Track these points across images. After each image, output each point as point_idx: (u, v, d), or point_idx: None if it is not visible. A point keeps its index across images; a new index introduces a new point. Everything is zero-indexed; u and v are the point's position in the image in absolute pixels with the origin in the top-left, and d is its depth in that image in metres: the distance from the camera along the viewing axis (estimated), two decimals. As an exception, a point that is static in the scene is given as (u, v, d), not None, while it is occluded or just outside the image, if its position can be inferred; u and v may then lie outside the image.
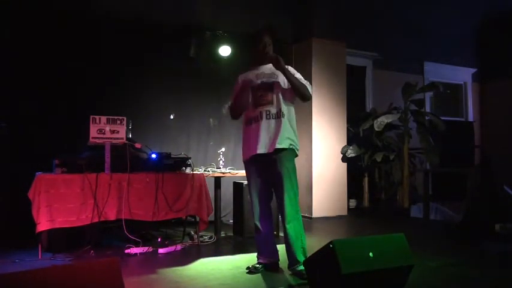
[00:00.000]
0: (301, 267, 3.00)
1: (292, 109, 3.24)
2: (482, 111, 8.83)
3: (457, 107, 8.81)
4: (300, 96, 3.20)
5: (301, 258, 3.07)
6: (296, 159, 3.24)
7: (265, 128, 3.14)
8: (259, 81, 3.22)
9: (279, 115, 3.14)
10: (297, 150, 3.22)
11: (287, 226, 3.10)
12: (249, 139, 3.22)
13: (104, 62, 5.13)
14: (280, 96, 3.16)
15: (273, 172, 3.13)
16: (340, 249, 2.35)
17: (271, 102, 3.16)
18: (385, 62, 7.46)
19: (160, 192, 3.91)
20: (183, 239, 4.40)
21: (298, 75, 3.21)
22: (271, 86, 3.18)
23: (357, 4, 6.79)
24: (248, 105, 3.24)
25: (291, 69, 3.22)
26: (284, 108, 3.16)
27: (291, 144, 3.14)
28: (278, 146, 3.09)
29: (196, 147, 5.75)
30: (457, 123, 8.12)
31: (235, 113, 3.33)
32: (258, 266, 3.27)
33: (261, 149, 3.13)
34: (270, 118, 3.14)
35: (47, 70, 4.84)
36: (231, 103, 3.38)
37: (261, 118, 3.16)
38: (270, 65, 3.19)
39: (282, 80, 3.18)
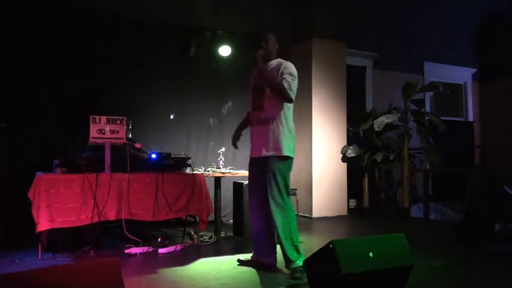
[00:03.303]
0: (294, 266, 3.05)
1: (286, 111, 3.20)
2: (482, 111, 8.83)
3: (457, 107, 8.81)
4: (280, 98, 3.17)
5: (294, 257, 3.09)
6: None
7: (256, 134, 3.23)
8: (255, 83, 3.26)
9: (268, 121, 3.15)
10: (288, 153, 3.18)
11: (275, 226, 3.14)
12: (250, 141, 3.35)
13: (104, 62, 5.13)
14: (272, 100, 3.16)
15: (262, 173, 3.20)
16: (340, 249, 2.35)
17: (261, 107, 3.19)
18: (385, 62, 7.45)
19: (160, 192, 3.91)
20: (183, 239, 4.40)
21: (287, 76, 3.12)
22: (262, 89, 3.20)
23: (357, 4, 6.79)
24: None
25: (288, 66, 3.16)
26: (274, 113, 3.15)
27: (278, 152, 3.14)
28: (265, 154, 3.16)
29: (196, 147, 5.75)
30: (457, 123, 8.13)
31: None
32: (249, 259, 3.34)
33: (254, 153, 3.27)
34: (259, 124, 3.20)
35: (47, 70, 4.84)
36: None
37: (253, 123, 3.26)
38: (272, 63, 3.20)
39: (280, 78, 3.14)
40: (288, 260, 3.13)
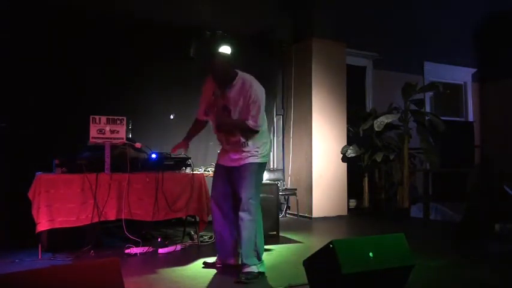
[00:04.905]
0: (247, 270, 3.05)
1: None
2: (482, 111, 8.82)
3: (457, 107, 8.81)
4: None
5: (252, 262, 3.10)
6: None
7: (230, 150, 3.24)
8: (218, 103, 3.20)
9: (239, 143, 3.15)
10: (262, 159, 3.20)
11: (241, 228, 3.13)
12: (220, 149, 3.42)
13: (104, 62, 5.13)
14: (242, 131, 3.13)
15: (233, 180, 3.20)
16: (340, 249, 2.35)
17: (230, 132, 3.19)
18: (385, 62, 7.45)
19: (160, 192, 3.91)
20: (183, 239, 4.40)
21: (252, 109, 3.05)
22: (228, 111, 3.16)
23: (357, 4, 6.79)
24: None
25: (253, 88, 3.07)
26: (244, 138, 3.13)
27: (252, 160, 3.14)
28: (239, 164, 3.16)
29: (196, 147, 5.73)
30: (457, 123, 8.11)
31: None
32: (215, 261, 3.37)
33: (226, 163, 3.28)
34: (230, 144, 3.22)
35: (47, 70, 4.83)
36: None
37: (223, 143, 3.31)
38: (235, 85, 3.13)
39: (246, 113, 3.09)
40: (243, 264, 3.12)
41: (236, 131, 3.14)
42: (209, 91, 3.29)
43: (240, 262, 3.24)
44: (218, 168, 3.37)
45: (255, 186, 3.16)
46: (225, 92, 3.15)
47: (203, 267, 3.37)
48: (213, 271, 3.30)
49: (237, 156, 3.19)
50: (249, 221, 3.11)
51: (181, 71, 5.63)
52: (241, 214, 3.11)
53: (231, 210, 3.28)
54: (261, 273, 3.12)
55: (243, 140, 3.15)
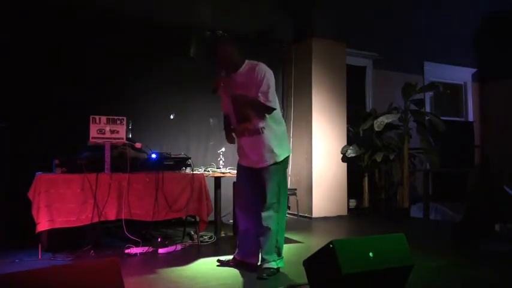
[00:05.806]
0: (266, 266, 3.12)
1: (272, 118, 3.17)
2: (482, 111, 8.83)
3: (457, 107, 8.81)
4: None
5: (272, 258, 3.16)
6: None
7: (249, 145, 3.20)
8: (231, 93, 3.18)
9: (258, 131, 3.13)
10: (283, 156, 3.21)
11: (265, 227, 3.16)
12: (239, 149, 3.35)
13: (104, 61, 5.12)
14: (256, 109, 3.11)
15: (257, 180, 3.20)
16: (340, 249, 2.35)
17: (247, 118, 3.14)
18: (385, 62, 7.45)
19: (160, 192, 3.91)
20: (183, 239, 4.40)
21: (263, 85, 3.05)
22: (243, 99, 3.13)
23: (357, 4, 6.79)
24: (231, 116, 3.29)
25: (261, 70, 3.09)
26: (262, 120, 3.12)
27: (274, 160, 3.16)
28: (261, 165, 3.17)
29: (196, 147, 5.74)
30: (457, 123, 8.11)
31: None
32: (229, 259, 3.39)
33: (248, 163, 3.27)
34: (251, 135, 3.17)
35: (47, 70, 4.83)
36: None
37: (244, 134, 3.21)
38: (242, 70, 3.15)
39: (256, 91, 3.07)
40: (262, 259, 3.18)
41: (249, 108, 3.11)
42: (220, 87, 3.28)
43: (258, 261, 3.29)
44: (239, 168, 3.39)
45: (277, 186, 3.17)
46: (233, 78, 3.17)
47: (218, 266, 3.40)
48: (213, 271, 3.30)
49: (256, 158, 3.19)
50: (271, 220, 3.14)
51: (181, 71, 5.63)
52: (263, 214, 3.14)
53: (255, 211, 3.27)
54: (279, 269, 3.18)
55: (261, 125, 3.11)
